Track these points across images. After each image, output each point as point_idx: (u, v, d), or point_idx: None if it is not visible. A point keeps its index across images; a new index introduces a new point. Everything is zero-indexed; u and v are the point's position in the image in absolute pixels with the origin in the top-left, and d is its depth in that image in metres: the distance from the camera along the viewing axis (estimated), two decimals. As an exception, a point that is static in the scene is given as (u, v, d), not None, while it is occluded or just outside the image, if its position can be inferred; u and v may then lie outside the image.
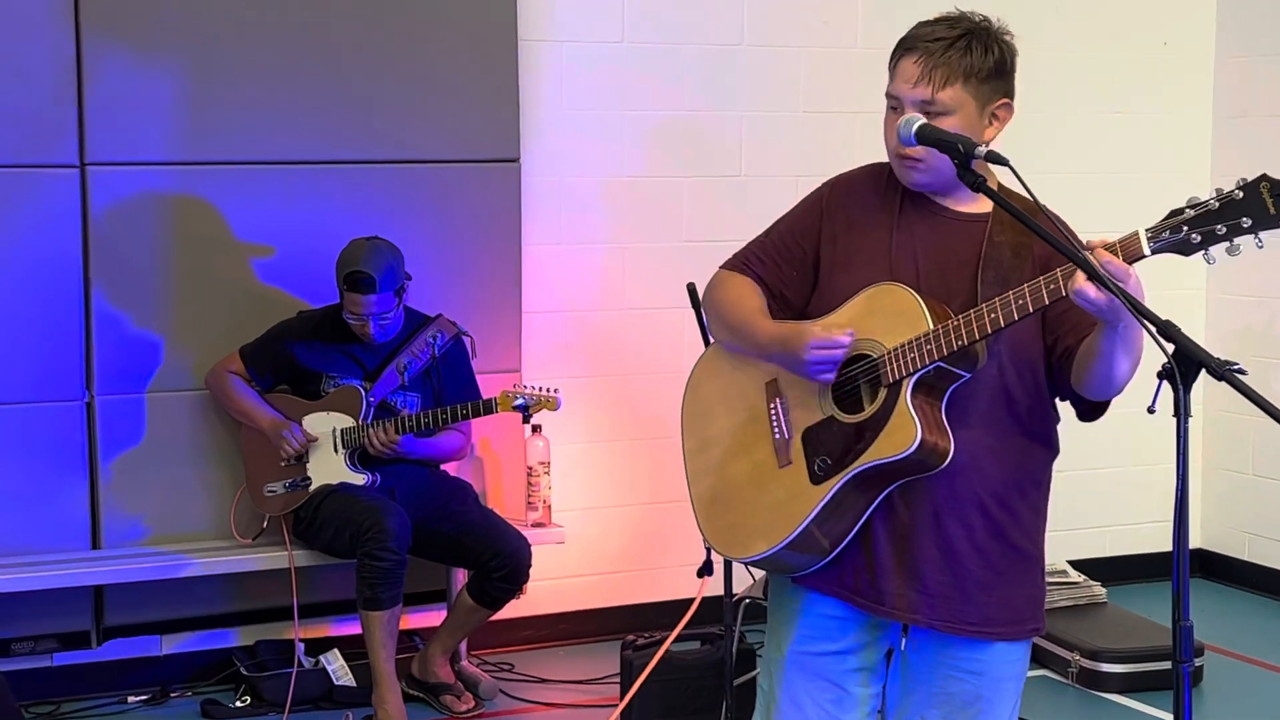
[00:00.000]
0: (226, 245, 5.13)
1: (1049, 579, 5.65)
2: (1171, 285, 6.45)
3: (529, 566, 4.95)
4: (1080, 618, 5.58)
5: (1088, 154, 6.35)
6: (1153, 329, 2.26)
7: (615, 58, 5.69)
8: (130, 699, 5.12)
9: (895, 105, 2.72)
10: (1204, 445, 6.58)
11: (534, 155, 5.55)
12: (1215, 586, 6.53)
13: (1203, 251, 2.37)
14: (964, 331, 2.57)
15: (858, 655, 2.84)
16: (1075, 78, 6.34)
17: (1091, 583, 5.82)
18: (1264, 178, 2.33)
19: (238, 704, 5.00)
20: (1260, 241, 2.34)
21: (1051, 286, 2.48)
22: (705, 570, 4.05)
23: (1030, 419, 2.74)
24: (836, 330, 2.68)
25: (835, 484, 2.69)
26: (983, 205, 2.74)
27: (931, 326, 2.60)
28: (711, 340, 3.04)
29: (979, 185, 2.52)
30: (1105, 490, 6.42)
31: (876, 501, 2.71)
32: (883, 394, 2.66)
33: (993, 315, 2.54)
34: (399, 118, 5.30)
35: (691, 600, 4.39)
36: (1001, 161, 2.46)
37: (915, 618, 2.75)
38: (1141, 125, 6.46)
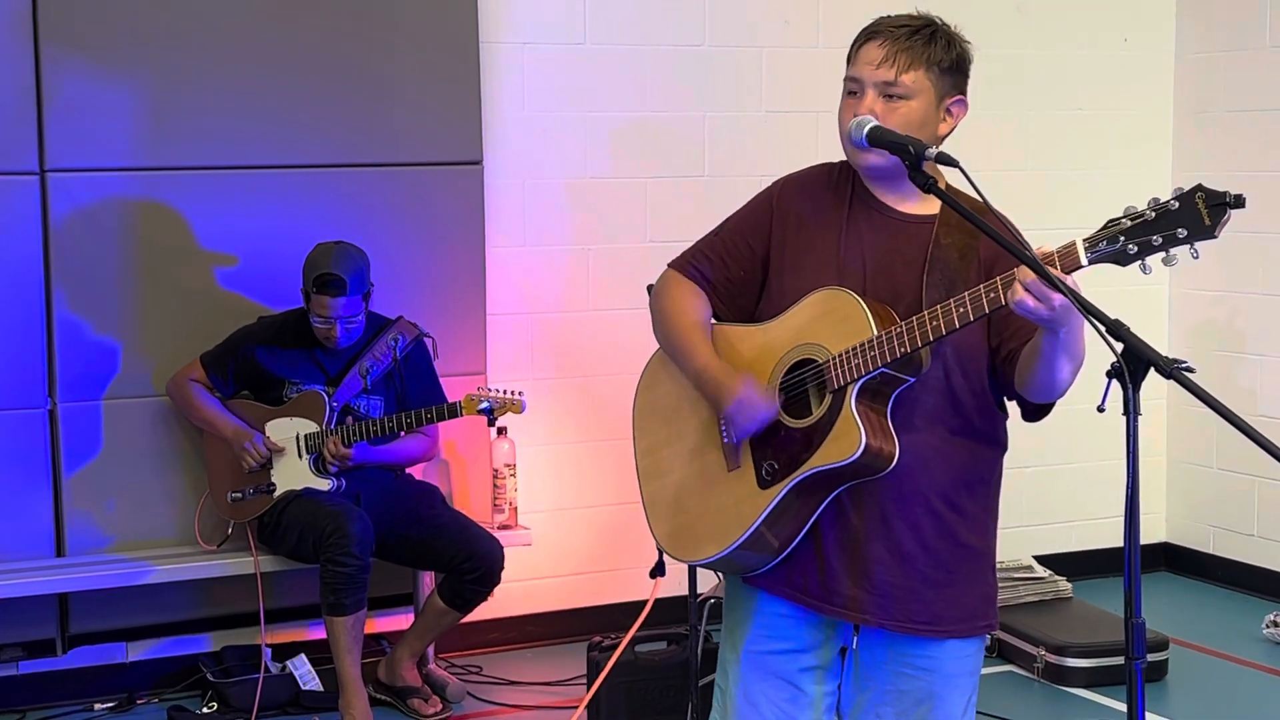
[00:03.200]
0: (188, 250, 5.12)
1: (1015, 574, 5.75)
2: (1134, 281, 6.45)
3: (502, 569, 4.96)
4: (1046, 613, 5.61)
5: (1049, 152, 6.38)
6: (1101, 328, 2.26)
7: (577, 59, 5.69)
8: (96, 706, 5.10)
9: (855, 89, 2.74)
10: (1168, 440, 6.63)
11: (497, 158, 5.55)
12: (1180, 580, 6.57)
13: (1139, 262, 2.37)
14: (906, 339, 2.58)
15: (810, 654, 2.86)
16: (1036, 76, 6.37)
17: (1057, 578, 5.84)
18: (1199, 188, 2.32)
19: (204, 710, 4.99)
20: (1196, 252, 2.34)
21: (991, 295, 2.49)
22: (658, 571, 4.05)
23: (977, 419, 2.75)
24: (763, 403, 2.71)
25: (782, 489, 2.70)
26: (930, 207, 2.75)
27: (875, 333, 2.61)
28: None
29: (929, 187, 2.53)
30: (1070, 485, 6.45)
31: (825, 504, 2.72)
32: (828, 399, 2.67)
33: (934, 323, 2.55)
34: (361, 121, 5.29)
35: (657, 601, 4.39)
36: (951, 163, 2.47)
37: (865, 618, 2.77)
38: (1102, 123, 6.49)
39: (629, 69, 5.76)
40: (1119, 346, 2.25)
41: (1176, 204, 2.33)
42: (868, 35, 2.75)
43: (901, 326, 2.59)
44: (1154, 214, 2.35)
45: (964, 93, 2.78)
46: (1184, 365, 2.22)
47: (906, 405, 2.68)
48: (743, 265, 2.88)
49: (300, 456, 4.95)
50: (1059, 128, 6.41)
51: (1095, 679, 5.20)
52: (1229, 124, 6.39)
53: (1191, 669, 5.43)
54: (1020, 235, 2.58)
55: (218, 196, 5.14)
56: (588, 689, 4.68)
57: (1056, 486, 6.43)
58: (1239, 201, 2.29)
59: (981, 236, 2.66)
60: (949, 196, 2.58)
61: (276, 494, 4.96)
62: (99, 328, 5.04)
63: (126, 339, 5.07)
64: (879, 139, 2.61)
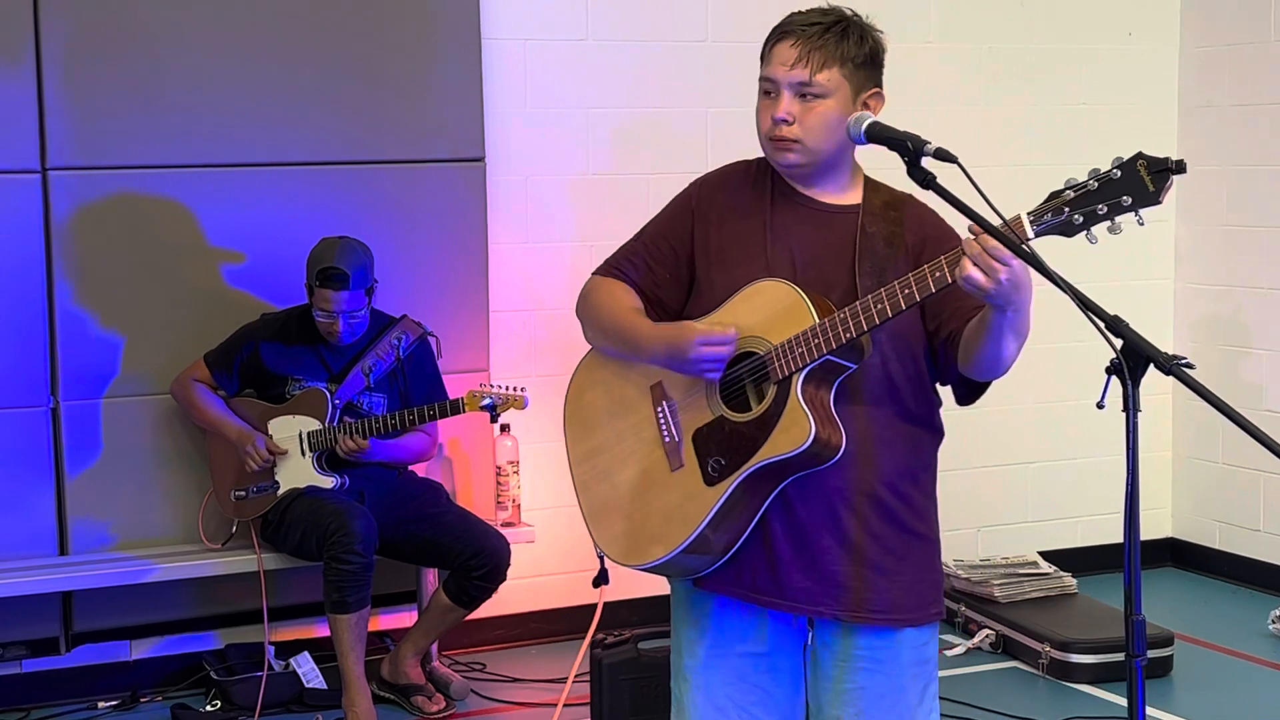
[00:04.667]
0: (189, 248, 5.11)
1: (1020, 570, 5.75)
2: (1140, 276, 6.47)
3: (508, 564, 4.95)
4: (1050, 609, 5.60)
5: (1052, 147, 6.36)
6: (1100, 324, 2.25)
7: (579, 55, 5.68)
8: (100, 705, 5.10)
9: (769, 90, 2.75)
10: (1174, 435, 6.61)
11: (499, 154, 5.54)
12: (1187, 575, 6.56)
13: (1085, 232, 2.38)
14: (851, 324, 2.57)
15: (772, 655, 2.83)
16: (1039, 69, 6.35)
17: (1062, 574, 5.83)
18: (1140, 155, 2.35)
19: (208, 708, 4.99)
20: (1141, 219, 2.36)
21: (937, 274, 2.49)
22: (601, 579, 3.95)
23: (915, 405, 2.76)
24: (719, 328, 2.68)
25: (730, 484, 2.67)
26: (852, 196, 2.78)
27: (817, 320, 2.60)
28: (590, 346, 3.01)
29: (928, 182, 2.51)
30: (1075, 481, 6.43)
31: (771, 497, 2.70)
32: (772, 391, 2.65)
33: (879, 306, 2.54)
34: (363, 119, 5.29)
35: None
36: (950, 159, 2.45)
37: (819, 610, 2.75)
38: (1106, 117, 6.47)
39: (631, 65, 5.75)
40: (1118, 343, 2.24)
41: (1119, 173, 2.36)
42: (780, 34, 2.76)
43: (845, 312, 2.58)
44: (1096, 184, 2.37)
45: (880, 85, 2.78)
46: (1183, 361, 2.21)
47: (847, 394, 2.67)
48: (667, 268, 2.87)
49: (303, 454, 4.95)
50: (1062, 122, 6.39)
51: (1100, 675, 5.19)
52: (1233, 118, 6.37)
53: (1197, 664, 5.42)
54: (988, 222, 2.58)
55: (219, 194, 5.13)
56: (591, 687, 4.68)
57: (1061, 482, 6.41)
58: (1180, 167, 2.32)
59: (905, 223, 2.70)
60: (947, 191, 2.55)
61: (280, 492, 4.96)
62: (101, 326, 5.04)
63: (128, 337, 5.07)
64: (878, 135, 2.60)
